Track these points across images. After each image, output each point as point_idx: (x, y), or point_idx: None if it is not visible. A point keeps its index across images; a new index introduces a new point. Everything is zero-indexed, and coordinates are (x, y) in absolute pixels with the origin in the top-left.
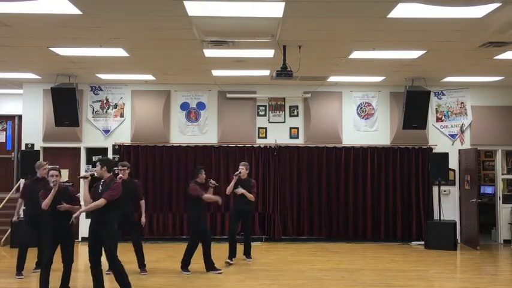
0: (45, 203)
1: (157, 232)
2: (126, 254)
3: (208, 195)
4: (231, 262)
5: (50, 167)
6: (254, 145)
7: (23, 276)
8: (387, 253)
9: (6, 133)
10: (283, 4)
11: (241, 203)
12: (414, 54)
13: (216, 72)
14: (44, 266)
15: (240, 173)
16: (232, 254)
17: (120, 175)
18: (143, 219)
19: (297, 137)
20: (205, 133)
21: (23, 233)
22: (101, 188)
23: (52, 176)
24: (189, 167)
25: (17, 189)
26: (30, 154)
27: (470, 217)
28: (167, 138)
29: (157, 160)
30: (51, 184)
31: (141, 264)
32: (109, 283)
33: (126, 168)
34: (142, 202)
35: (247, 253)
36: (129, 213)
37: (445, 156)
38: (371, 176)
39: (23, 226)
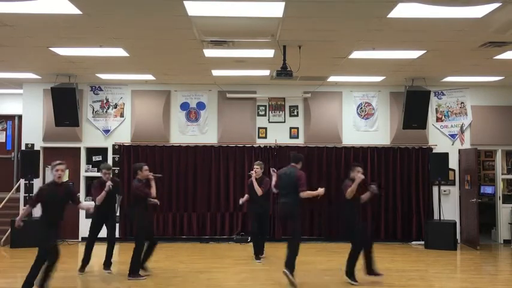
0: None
1: (157, 232)
2: (126, 253)
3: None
4: (261, 259)
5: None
6: (254, 145)
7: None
8: (387, 253)
9: (6, 133)
10: (283, 4)
11: (258, 205)
12: (414, 54)
13: (216, 72)
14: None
15: (255, 172)
16: (258, 251)
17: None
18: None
19: (297, 137)
20: (205, 133)
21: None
22: None
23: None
24: (189, 167)
25: (17, 189)
26: (30, 154)
27: (470, 217)
28: (167, 138)
29: (157, 160)
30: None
31: (108, 262)
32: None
33: (109, 171)
34: (120, 198)
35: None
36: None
37: (445, 156)
38: (371, 176)
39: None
